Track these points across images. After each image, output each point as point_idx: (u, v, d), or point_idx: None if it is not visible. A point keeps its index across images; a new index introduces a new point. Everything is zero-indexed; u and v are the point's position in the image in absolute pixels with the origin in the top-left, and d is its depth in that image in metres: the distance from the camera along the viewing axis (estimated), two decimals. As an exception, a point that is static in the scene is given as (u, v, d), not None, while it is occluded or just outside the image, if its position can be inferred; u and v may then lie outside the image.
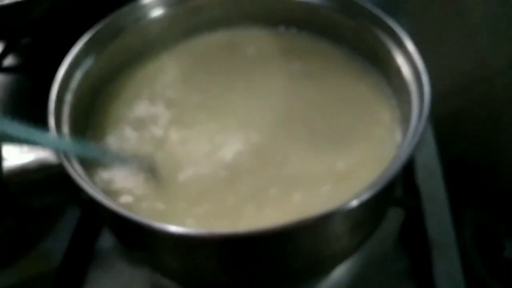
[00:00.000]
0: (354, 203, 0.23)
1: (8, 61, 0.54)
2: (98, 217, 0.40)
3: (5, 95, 0.50)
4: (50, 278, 0.37)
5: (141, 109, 0.35)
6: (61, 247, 0.39)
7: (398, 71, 0.31)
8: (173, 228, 0.23)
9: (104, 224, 0.39)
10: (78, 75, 0.31)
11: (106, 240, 0.40)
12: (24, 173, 0.28)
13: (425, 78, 0.28)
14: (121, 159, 0.31)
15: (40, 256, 0.40)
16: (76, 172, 0.26)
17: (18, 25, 0.46)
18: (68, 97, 0.30)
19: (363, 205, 0.23)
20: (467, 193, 0.47)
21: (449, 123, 0.50)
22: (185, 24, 0.37)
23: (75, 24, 0.45)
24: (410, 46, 0.30)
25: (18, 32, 0.49)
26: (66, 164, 0.26)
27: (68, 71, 0.30)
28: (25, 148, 0.28)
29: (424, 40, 0.31)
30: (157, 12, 0.36)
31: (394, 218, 0.39)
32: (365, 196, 0.23)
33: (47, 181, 0.28)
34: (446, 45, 0.56)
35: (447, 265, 0.35)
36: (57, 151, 0.27)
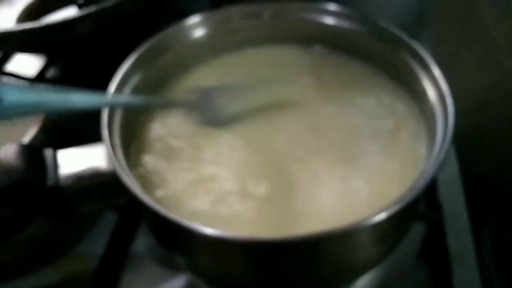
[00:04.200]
0: (383, 215, 0.25)
1: (50, 73, 0.57)
2: (134, 221, 0.43)
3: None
4: (87, 278, 0.39)
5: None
6: (98, 250, 0.40)
7: (423, 93, 0.33)
8: (210, 231, 0.25)
9: (142, 228, 0.42)
10: (126, 91, 0.34)
11: (141, 243, 0.42)
12: (78, 180, 0.30)
13: (449, 101, 0.30)
14: (167, 102, 0.34)
15: (78, 258, 0.42)
16: (127, 177, 0.28)
17: (63, 41, 0.48)
18: (118, 111, 0.32)
19: (391, 218, 0.25)
20: (487, 209, 0.47)
21: (469, 140, 0.51)
22: (223, 43, 0.40)
23: (114, 42, 0.49)
24: (435, 70, 0.32)
25: (62, 47, 0.51)
26: (119, 170, 0.28)
27: (118, 87, 0.33)
28: (79, 156, 0.31)
29: (444, 58, 0.33)
30: (199, 33, 0.39)
31: (416, 231, 0.40)
32: (393, 210, 0.25)
33: (99, 187, 0.31)
34: (466, 63, 0.57)
35: (467, 277, 0.37)
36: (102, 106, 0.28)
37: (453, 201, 0.42)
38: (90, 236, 0.43)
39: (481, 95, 0.56)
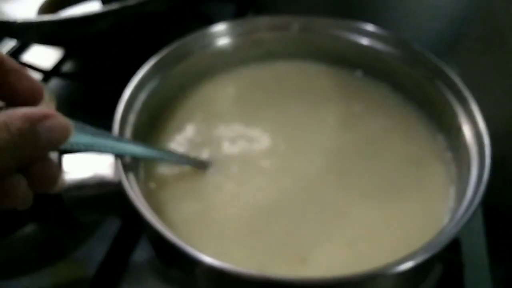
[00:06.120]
0: (410, 264, 0.23)
1: (66, 66, 0.56)
2: (137, 231, 0.41)
3: (60, 99, 0.51)
4: (83, 285, 0.38)
5: (194, 127, 0.35)
6: (98, 257, 0.39)
7: (458, 128, 0.30)
8: (210, 260, 0.24)
9: (143, 238, 0.40)
10: (142, 97, 0.32)
11: (141, 254, 0.40)
12: (81, 188, 0.29)
13: (486, 141, 0.28)
14: (180, 159, 0.32)
15: (76, 263, 0.41)
16: (133, 192, 0.26)
17: (82, 36, 0.47)
18: (131, 118, 0.31)
19: (417, 266, 0.23)
20: (502, 244, 0.45)
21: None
22: (247, 54, 0.38)
23: (134, 42, 0.47)
24: (474, 106, 0.30)
25: (81, 42, 0.50)
26: (126, 185, 0.26)
27: (133, 92, 0.31)
28: (85, 162, 0.29)
29: (470, 86, 0.31)
30: (223, 41, 0.37)
31: (433, 272, 0.38)
32: (421, 258, 0.23)
33: (103, 198, 0.29)
34: (490, 93, 0.55)
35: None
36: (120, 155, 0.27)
37: (473, 241, 0.40)
38: (90, 241, 0.42)
39: (503, 126, 0.54)
